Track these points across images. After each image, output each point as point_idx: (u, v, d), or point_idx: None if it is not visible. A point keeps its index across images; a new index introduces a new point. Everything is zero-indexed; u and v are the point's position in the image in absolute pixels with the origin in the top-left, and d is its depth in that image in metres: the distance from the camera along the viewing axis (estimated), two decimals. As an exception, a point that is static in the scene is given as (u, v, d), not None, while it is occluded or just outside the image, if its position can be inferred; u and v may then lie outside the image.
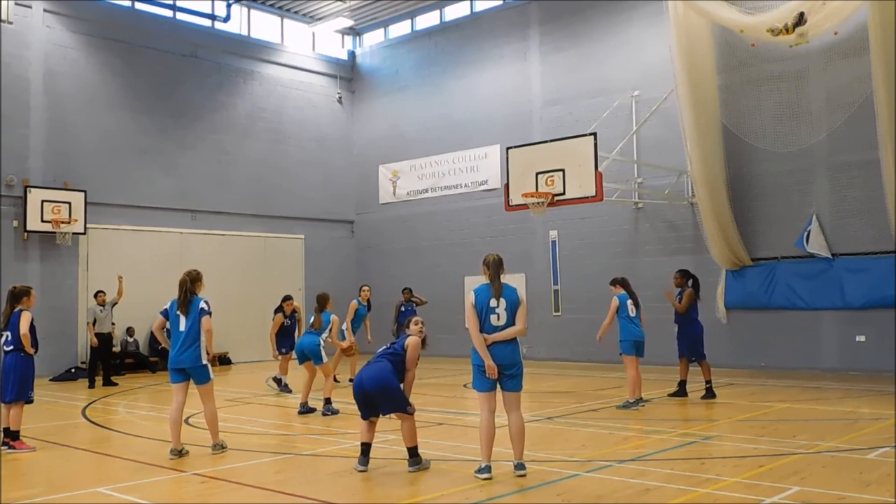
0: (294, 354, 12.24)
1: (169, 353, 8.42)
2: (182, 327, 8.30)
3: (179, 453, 8.14)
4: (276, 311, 14.36)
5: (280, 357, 14.35)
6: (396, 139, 22.73)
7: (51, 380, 16.74)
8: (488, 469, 6.90)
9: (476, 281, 15.15)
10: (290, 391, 13.69)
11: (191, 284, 8.42)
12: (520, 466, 6.99)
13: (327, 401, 11.24)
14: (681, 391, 12.36)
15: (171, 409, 8.31)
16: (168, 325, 8.55)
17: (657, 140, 17.18)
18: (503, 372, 7.01)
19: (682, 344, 12.49)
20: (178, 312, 8.36)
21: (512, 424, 7.06)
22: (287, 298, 14.52)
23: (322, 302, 11.90)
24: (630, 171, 17.57)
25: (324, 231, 23.07)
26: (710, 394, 12.11)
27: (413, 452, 7.41)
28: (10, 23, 17.44)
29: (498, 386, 7.08)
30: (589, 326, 16.18)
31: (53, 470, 7.82)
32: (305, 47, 23.22)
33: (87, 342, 16.15)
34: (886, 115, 13.36)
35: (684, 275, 12.61)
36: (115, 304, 15.91)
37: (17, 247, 17.37)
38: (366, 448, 7.47)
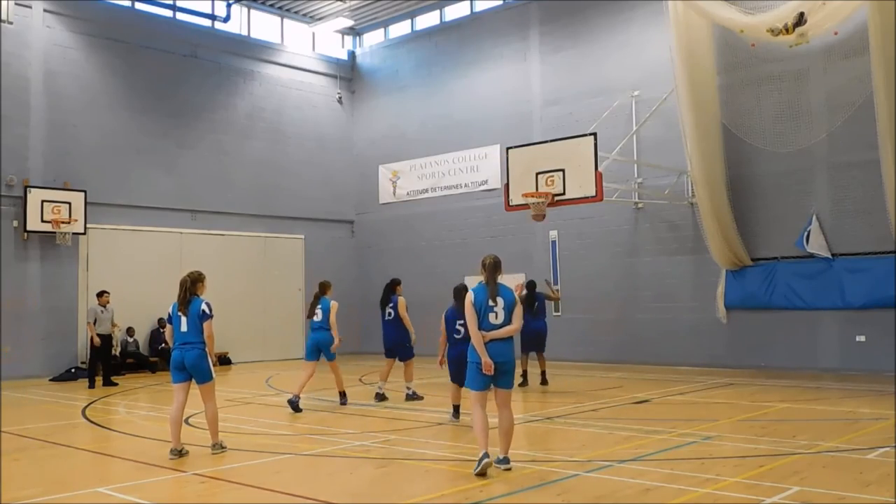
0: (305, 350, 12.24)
1: (171, 353, 8.42)
2: (184, 327, 8.31)
3: (179, 453, 8.14)
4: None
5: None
6: (396, 139, 22.73)
7: (51, 380, 16.75)
8: (486, 455, 6.98)
9: (476, 281, 15.15)
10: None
11: (191, 285, 8.41)
12: (505, 461, 7.17)
13: (342, 394, 12.04)
14: (525, 382, 14.00)
15: (171, 409, 8.31)
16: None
17: (657, 140, 17.18)
18: (499, 369, 7.14)
19: (527, 341, 14.03)
20: (180, 312, 8.36)
21: (504, 420, 7.22)
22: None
23: (324, 288, 12.00)
24: (630, 171, 17.57)
25: (324, 231, 23.07)
26: (545, 381, 14.15)
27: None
28: (11, 23, 17.45)
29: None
30: (589, 326, 16.25)
31: (53, 470, 7.82)
32: (305, 47, 23.22)
33: (88, 342, 16.15)
34: (886, 115, 13.35)
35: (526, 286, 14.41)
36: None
37: (17, 247, 17.37)
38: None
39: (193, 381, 8.36)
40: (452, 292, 10.02)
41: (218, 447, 8.35)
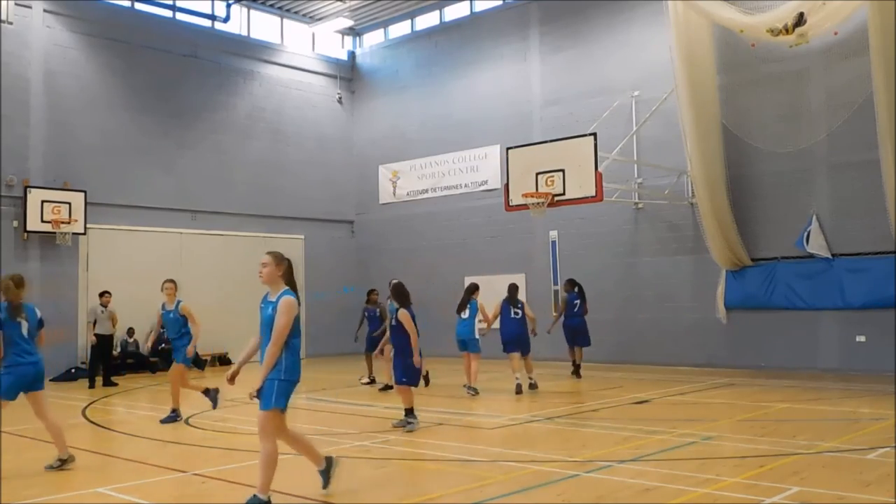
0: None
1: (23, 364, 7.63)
2: (25, 332, 7.64)
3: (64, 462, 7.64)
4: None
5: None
6: (396, 139, 22.73)
7: (51, 380, 16.72)
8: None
9: (477, 280, 15.10)
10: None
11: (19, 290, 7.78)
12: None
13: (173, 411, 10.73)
14: (574, 372, 15.41)
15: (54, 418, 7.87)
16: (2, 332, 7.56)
17: (657, 140, 17.18)
18: None
19: (565, 336, 15.58)
20: (19, 319, 7.64)
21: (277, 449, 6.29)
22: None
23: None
24: (630, 171, 17.57)
25: (324, 231, 23.06)
26: (575, 372, 15.39)
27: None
28: (11, 23, 17.44)
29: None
30: (589, 326, 16.17)
31: (53, 470, 7.81)
32: (305, 47, 23.22)
33: (88, 342, 16.15)
34: (886, 114, 13.34)
35: (568, 284, 15.66)
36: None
37: (17, 247, 17.36)
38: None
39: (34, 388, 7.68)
40: (398, 292, 10.05)
41: (62, 462, 7.76)
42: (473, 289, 13.53)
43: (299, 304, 6.21)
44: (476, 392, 12.77)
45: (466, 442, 8.82)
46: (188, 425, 10.30)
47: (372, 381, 14.91)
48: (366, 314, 15.41)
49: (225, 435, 8.78)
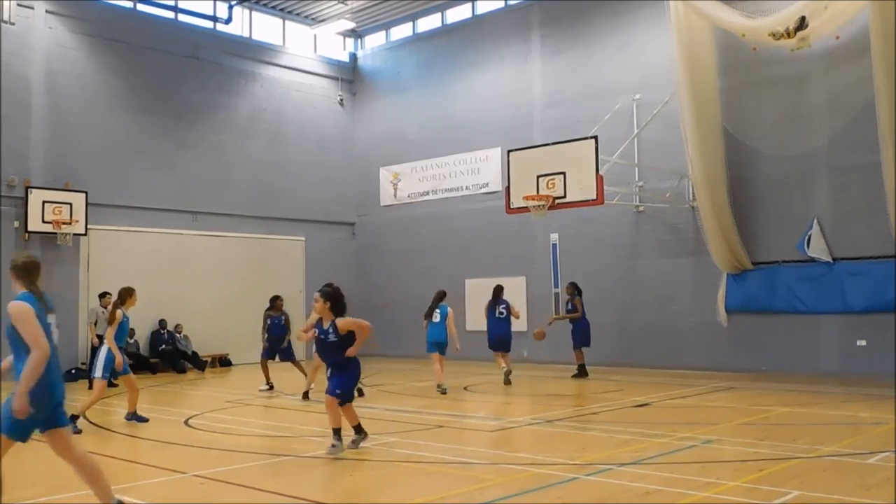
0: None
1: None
2: None
3: None
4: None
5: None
6: (397, 141, 22.73)
7: (51, 380, 16.72)
8: None
9: (477, 283, 15.06)
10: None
11: None
12: None
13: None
14: (581, 373, 15.78)
15: None
16: None
17: (658, 143, 17.17)
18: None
19: (576, 337, 16.02)
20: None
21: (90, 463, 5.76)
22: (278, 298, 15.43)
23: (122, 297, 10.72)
24: (631, 174, 17.56)
25: (324, 233, 23.06)
26: (582, 373, 15.78)
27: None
28: (12, 23, 17.44)
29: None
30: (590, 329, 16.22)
31: (53, 470, 7.80)
32: (307, 49, 23.23)
33: (88, 343, 16.14)
34: (887, 118, 13.35)
35: (573, 286, 16.19)
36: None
37: (18, 247, 17.33)
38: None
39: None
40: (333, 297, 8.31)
41: None
42: (442, 295, 14.02)
43: (45, 305, 5.36)
44: (445, 391, 13.20)
45: (466, 444, 8.81)
46: (187, 426, 10.29)
47: (270, 388, 14.17)
48: (268, 321, 14.89)
49: (224, 436, 8.78)
